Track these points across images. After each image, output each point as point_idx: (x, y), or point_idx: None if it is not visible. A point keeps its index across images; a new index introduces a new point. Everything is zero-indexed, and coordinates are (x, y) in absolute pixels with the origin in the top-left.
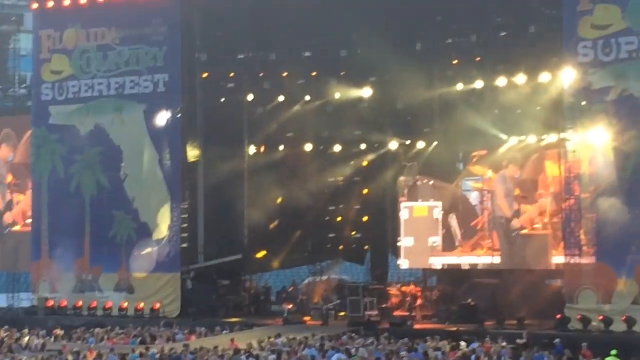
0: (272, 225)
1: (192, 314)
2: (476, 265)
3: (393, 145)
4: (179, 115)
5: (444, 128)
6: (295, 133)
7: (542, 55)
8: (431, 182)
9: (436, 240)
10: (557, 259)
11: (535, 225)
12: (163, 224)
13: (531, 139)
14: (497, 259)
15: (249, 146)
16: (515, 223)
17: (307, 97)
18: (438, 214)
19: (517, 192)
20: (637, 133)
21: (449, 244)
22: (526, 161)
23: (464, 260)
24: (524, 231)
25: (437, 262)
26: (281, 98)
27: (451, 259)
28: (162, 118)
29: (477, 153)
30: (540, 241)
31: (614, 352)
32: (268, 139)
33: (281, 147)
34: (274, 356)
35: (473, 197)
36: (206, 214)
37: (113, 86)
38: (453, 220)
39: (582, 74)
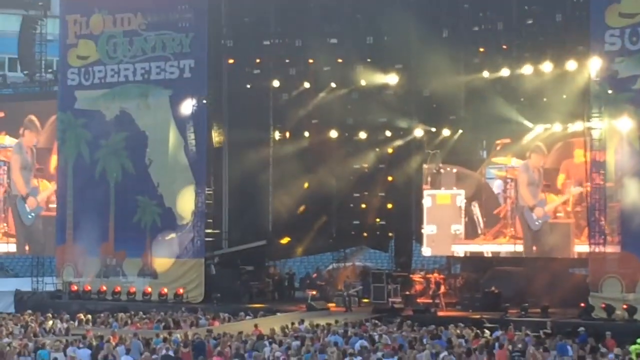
0: (299, 210)
1: (216, 299)
2: (498, 253)
3: (418, 132)
4: (204, 101)
5: (469, 116)
6: (321, 120)
7: (568, 44)
8: (454, 170)
9: (459, 228)
10: (580, 247)
11: (558, 214)
12: (187, 210)
13: (557, 127)
14: (519, 247)
15: (274, 132)
16: (539, 212)
17: (333, 84)
18: (461, 202)
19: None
20: None
21: (471, 232)
22: (550, 150)
23: (486, 248)
24: (547, 220)
25: (460, 250)
26: (307, 85)
27: (474, 247)
28: (188, 104)
29: (500, 141)
30: (563, 230)
31: (639, 340)
32: (293, 126)
33: (306, 134)
34: (297, 342)
35: (496, 186)
36: (231, 200)
37: (139, 72)
38: (476, 209)
39: (608, 63)
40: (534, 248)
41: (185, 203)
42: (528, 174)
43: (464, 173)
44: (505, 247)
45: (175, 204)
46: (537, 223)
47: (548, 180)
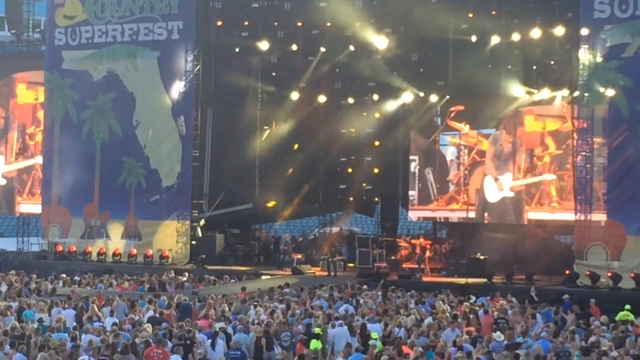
0: (286, 174)
1: (201, 262)
2: (448, 219)
3: (406, 97)
4: (192, 63)
5: (457, 82)
6: (309, 84)
7: (557, 11)
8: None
9: (413, 194)
10: (532, 214)
11: (515, 183)
12: (173, 172)
13: (544, 94)
14: (471, 214)
15: (261, 95)
16: (500, 186)
17: (322, 48)
18: (414, 168)
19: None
20: None
21: (425, 198)
22: (513, 119)
23: (439, 214)
24: (507, 196)
25: (413, 215)
26: (295, 48)
27: (427, 213)
28: (176, 64)
29: (454, 108)
30: (515, 198)
31: (627, 306)
32: (281, 90)
33: (294, 98)
34: (282, 306)
35: (450, 152)
36: (217, 163)
37: (127, 32)
38: (430, 175)
39: (597, 30)
40: (486, 214)
41: (172, 165)
42: (496, 147)
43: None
44: (458, 213)
45: (161, 166)
46: (495, 195)
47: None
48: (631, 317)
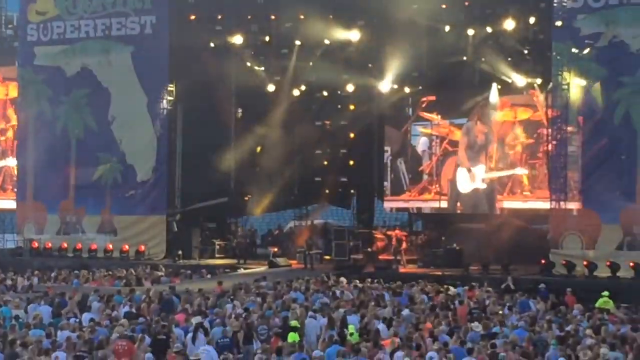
0: (261, 167)
1: (178, 256)
2: (421, 209)
3: (381, 89)
4: (166, 57)
5: (431, 73)
6: (282, 77)
7: (530, 1)
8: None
9: (385, 184)
10: (506, 203)
11: (487, 175)
12: (149, 167)
13: (518, 84)
14: (444, 204)
15: (236, 88)
16: (473, 177)
17: (297, 42)
18: (387, 158)
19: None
20: (628, 79)
21: (397, 188)
22: (486, 109)
23: (412, 204)
24: (479, 187)
25: (386, 206)
26: (268, 41)
27: (399, 204)
28: (150, 60)
29: (426, 99)
30: (488, 189)
31: (605, 293)
32: (255, 83)
33: (268, 91)
34: (259, 299)
35: (422, 143)
36: (192, 157)
37: (100, 27)
38: (402, 165)
39: (570, 20)
40: (458, 204)
41: (147, 160)
42: (469, 137)
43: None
44: (430, 203)
45: (137, 161)
46: (468, 186)
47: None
48: (610, 304)
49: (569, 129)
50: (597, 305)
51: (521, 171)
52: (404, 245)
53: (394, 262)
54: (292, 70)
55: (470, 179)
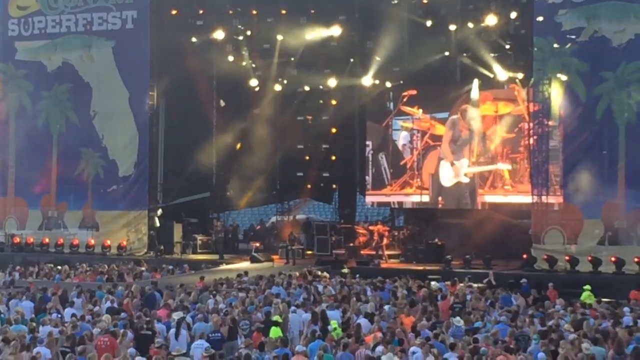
0: (243, 162)
1: (160, 251)
2: (402, 203)
3: (364, 83)
4: (147, 52)
5: (413, 67)
6: (264, 71)
7: None
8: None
9: (366, 179)
10: (488, 197)
11: (471, 170)
12: (130, 162)
13: (499, 79)
14: (425, 198)
15: (217, 83)
16: (456, 171)
17: (279, 37)
18: (368, 152)
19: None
20: (609, 74)
21: (379, 183)
22: (469, 104)
23: (393, 198)
24: (461, 181)
25: (368, 200)
26: (250, 35)
27: (381, 198)
28: (131, 55)
29: (407, 92)
30: (469, 184)
31: (587, 287)
32: (237, 77)
33: (250, 86)
34: (242, 294)
35: (402, 137)
36: (173, 152)
37: (81, 22)
38: (383, 159)
39: (552, 15)
40: (440, 198)
41: (129, 155)
42: (453, 131)
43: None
44: (412, 197)
45: (119, 156)
46: (450, 180)
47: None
48: (592, 298)
49: (550, 123)
50: (582, 299)
51: (504, 166)
52: (386, 240)
53: (376, 257)
54: (274, 65)
55: (453, 172)
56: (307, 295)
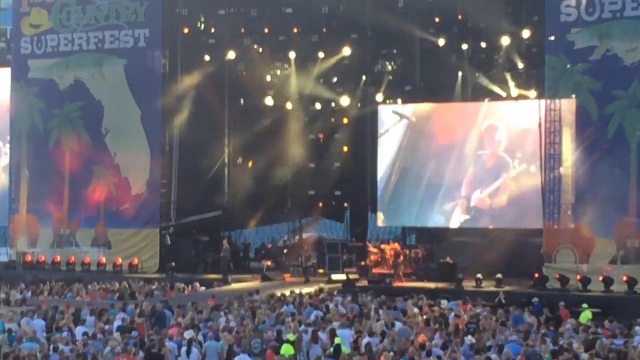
0: (255, 181)
1: (171, 270)
2: None
3: (375, 102)
4: (159, 71)
5: (424, 86)
6: (276, 89)
7: (524, 14)
8: None
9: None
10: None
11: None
12: (142, 180)
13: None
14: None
15: (230, 101)
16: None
17: (291, 54)
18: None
19: None
20: (621, 93)
21: None
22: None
23: None
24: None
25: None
26: (262, 54)
27: None
28: (143, 73)
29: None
30: None
31: (585, 305)
32: (249, 96)
33: (262, 104)
34: (252, 313)
35: None
36: (186, 170)
37: (93, 40)
38: None
39: (564, 34)
40: None
41: (141, 173)
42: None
43: None
44: None
45: (131, 174)
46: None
47: None
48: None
49: (563, 142)
50: (581, 319)
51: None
52: (402, 258)
53: (388, 275)
54: (286, 83)
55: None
56: (323, 314)
